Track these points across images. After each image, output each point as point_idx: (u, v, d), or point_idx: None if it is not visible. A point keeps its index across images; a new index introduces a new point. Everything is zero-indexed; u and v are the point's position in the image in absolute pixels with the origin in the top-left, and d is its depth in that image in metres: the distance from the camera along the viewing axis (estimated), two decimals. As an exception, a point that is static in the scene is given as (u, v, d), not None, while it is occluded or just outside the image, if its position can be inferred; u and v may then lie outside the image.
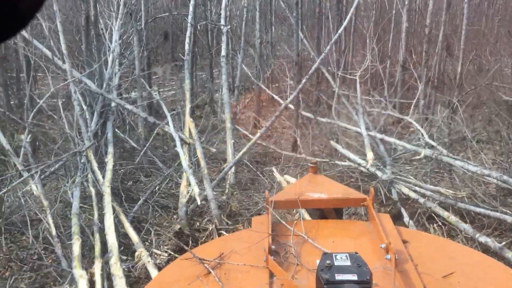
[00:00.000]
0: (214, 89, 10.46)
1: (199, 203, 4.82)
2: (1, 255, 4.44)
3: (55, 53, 6.62)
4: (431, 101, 7.99)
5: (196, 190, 4.90)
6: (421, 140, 5.63)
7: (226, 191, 5.70)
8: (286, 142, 7.49)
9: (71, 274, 3.72)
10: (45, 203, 4.24)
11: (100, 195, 4.64)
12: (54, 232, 4.09)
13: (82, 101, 5.85)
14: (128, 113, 6.85)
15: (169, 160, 6.50)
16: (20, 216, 4.81)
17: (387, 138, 5.84)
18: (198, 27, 9.71)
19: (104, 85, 6.16)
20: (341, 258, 1.79)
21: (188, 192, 5.10)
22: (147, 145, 6.24)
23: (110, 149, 5.41)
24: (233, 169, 5.89)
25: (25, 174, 4.47)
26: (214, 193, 5.22)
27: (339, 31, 7.00)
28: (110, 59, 6.67)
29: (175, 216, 5.28)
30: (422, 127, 6.00)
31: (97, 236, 4.03)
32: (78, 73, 6.26)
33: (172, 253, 4.22)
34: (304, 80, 6.32)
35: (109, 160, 5.11)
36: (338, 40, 8.71)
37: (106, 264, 3.75)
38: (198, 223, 5.10)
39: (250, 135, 7.29)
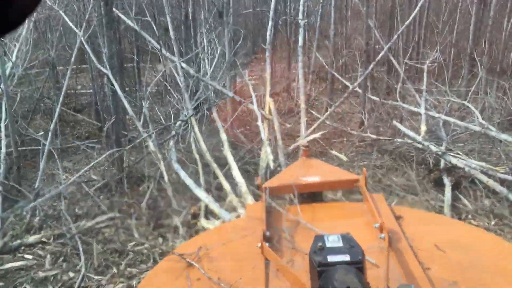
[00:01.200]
0: (291, 79, 11.47)
1: (271, 167, 5.87)
2: (126, 199, 5.81)
3: (160, 43, 7.99)
4: (489, 87, 8.40)
5: (270, 157, 5.96)
6: (476, 120, 6.26)
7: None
8: (355, 123, 8.33)
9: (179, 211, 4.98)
10: (159, 155, 5.54)
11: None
12: (166, 178, 5.36)
13: (184, 84, 7.13)
14: (217, 95, 8.07)
15: (250, 134, 7.64)
16: (139, 169, 6.20)
17: (443, 117, 6.52)
18: (279, 21, 10.75)
19: (202, 71, 7.42)
20: (333, 239, 1.78)
21: (265, 159, 6.17)
22: (231, 120, 7.42)
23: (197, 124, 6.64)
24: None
25: (144, 134, 5.82)
26: (287, 162, 6.25)
27: (406, 23, 7.70)
28: (204, 49, 7.92)
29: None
30: (477, 110, 6.59)
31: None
32: (178, 61, 7.57)
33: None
34: (371, 66, 7.14)
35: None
36: (407, 31, 9.33)
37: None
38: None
39: (321, 117, 8.23)
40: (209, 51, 7.98)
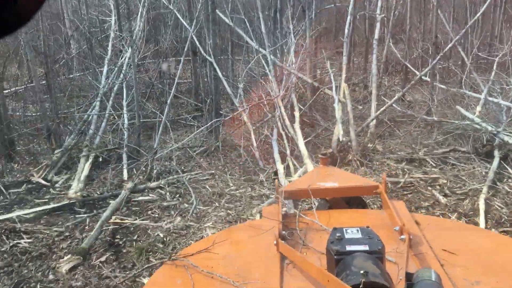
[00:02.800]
0: (369, 70, 12.34)
1: (341, 139, 6.95)
2: (222, 161, 7.22)
3: (251, 37, 9.35)
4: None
5: (341, 132, 7.06)
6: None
7: (366, 138, 7.72)
8: (422, 109, 9.11)
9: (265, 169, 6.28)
10: (250, 126, 6.89)
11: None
12: (255, 144, 6.69)
13: (272, 73, 8.39)
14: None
15: (325, 114, 8.76)
16: (231, 139, 7.60)
17: (501, 102, 7.18)
18: (357, 16, 11.67)
19: (286, 60, 8.66)
20: (351, 231, 1.75)
21: (337, 134, 7.27)
22: (309, 102, 8.58)
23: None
24: (374, 122, 7.86)
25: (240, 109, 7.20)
26: (358, 138, 7.30)
27: (476, 16, 8.34)
28: (289, 40, 9.15)
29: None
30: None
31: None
32: (267, 52, 8.87)
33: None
34: (438, 57, 7.93)
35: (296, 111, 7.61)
36: (482, 24, 9.84)
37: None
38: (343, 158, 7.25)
39: (393, 105, 9.11)
40: (294, 44, 9.19)
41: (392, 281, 1.59)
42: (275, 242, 2.12)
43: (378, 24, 9.65)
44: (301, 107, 8.48)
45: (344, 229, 1.75)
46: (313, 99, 8.67)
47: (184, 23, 8.14)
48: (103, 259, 4.62)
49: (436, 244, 2.13)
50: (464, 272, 1.95)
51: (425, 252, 2.04)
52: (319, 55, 10.77)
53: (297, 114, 7.57)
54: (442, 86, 8.70)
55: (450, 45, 7.99)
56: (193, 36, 7.67)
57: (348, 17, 9.60)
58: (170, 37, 10.21)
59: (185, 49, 7.69)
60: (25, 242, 5.02)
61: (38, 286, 4.29)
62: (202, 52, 7.78)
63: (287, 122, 7.30)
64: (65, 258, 4.61)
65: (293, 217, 2.45)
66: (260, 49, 8.38)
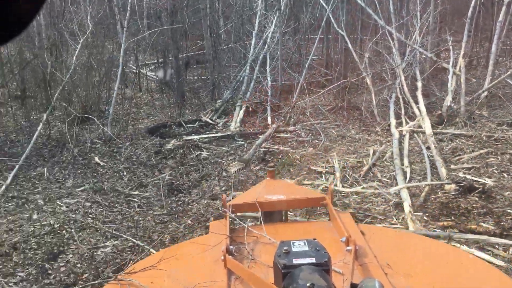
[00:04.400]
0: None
1: (450, 104, 8.11)
2: (346, 117, 8.87)
3: (380, 16, 10.70)
4: None
5: (450, 99, 8.22)
6: None
7: (475, 106, 8.74)
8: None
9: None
10: (372, 90, 8.44)
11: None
12: (374, 103, 8.23)
13: (397, 47, 9.70)
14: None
15: (440, 86, 9.86)
16: (354, 100, 9.19)
17: None
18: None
19: (410, 37, 9.91)
20: (298, 244, 1.77)
21: (448, 101, 8.43)
22: (424, 75, 9.75)
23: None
24: (485, 94, 8.83)
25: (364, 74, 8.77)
26: (467, 106, 8.40)
27: None
28: (414, 20, 10.34)
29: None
30: None
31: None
32: (393, 29, 10.18)
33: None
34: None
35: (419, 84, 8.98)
36: None
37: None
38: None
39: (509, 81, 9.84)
40: (419, 23, 10.35)
41: None
42: (222, 257, 2.14)
43: (504, 7, 10.31)
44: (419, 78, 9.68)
45: (291, 242, 1.78)
46: (430, 71, 9.81)
47: (322, 2, 9.84)
48: (258, 167, 6.67)
49: (381, 253, 2.19)
50: (407, 280, 2.03)
51: (370, 262, 2.11)
52: (443, 33, 11.68)
53: (419, 84, 8.86)
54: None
55: None
56: (329, 14, 9.35)
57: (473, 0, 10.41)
58: (310, 15, 11.98)
59: (322, 24, 9.40)
60: (205, 154, 7.30)
61: (217, 178, 6.46)
62: (336, 27, 9.43)
63: (405, 88, 8.66)
64: (233, 164, 6.75)
65: (241, 231, 2.48)
66: (387, 26, 9.74)
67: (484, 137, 6.84)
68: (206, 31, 10.63)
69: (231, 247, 2.23)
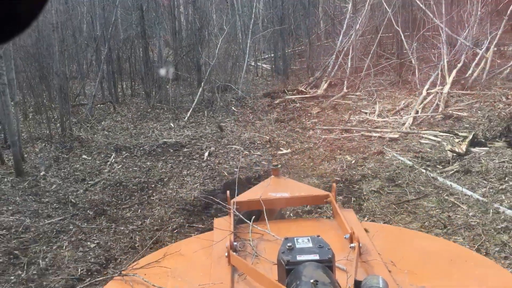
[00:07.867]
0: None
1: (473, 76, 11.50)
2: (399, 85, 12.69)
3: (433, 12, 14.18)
4: None
5: (471, 72, 11.63)
6: None
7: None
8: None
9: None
10: (417, 67, 12.20)
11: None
12: (417, 75, 12.02)
13: (445, 41, 13.15)
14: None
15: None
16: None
17: None
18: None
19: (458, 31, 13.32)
20: (302, 241, 1.77)
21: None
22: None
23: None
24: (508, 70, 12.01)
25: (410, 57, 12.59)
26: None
27: None
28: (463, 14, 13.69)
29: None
30: None
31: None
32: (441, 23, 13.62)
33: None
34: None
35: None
36: None
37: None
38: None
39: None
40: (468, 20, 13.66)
41: None
42: (226, 254, 2.16)
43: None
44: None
45: (295, 238, 1.79)
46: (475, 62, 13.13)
47: (386, 6, 13.69)
48: (330, 111, 10.93)
49: (384, 250, 2.22)
50: (411, 277, 2.06)
51: (373, 259, 2.13)
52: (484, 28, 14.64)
53: (459, 65, 12.29)
54: None
55: None
56: (391, 15, 13.22)
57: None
58: (382, 17, 15.80)
59: (383, 23, 13.32)
60: (298, 105, 11.76)
61: (305, 117, 10.85)
62: (394, 25, 13.24)
63: (446, 67, 12.20)
64: (314, 109, 11.11)
65: (245, 227, 2.50)
66: (435, 19, 13.29)
67: (481, 94, 10.31)
68: (305, 31, 15.11)
69: (235, 243, 2.26)
